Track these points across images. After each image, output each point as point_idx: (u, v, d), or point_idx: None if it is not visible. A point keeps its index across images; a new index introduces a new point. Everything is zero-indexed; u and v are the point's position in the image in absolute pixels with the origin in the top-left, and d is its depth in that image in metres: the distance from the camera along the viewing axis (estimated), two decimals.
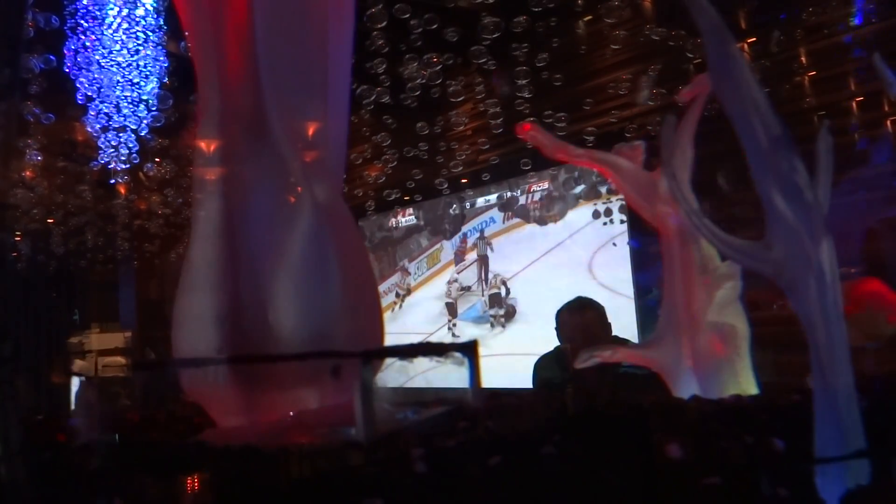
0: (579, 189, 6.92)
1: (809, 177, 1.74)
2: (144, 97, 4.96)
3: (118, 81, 4.87)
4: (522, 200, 7.44)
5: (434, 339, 8.04)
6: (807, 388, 1.77)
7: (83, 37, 4.71)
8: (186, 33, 3.56)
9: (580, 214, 6.87)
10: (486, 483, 1.91)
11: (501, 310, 7.66)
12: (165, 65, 4.95)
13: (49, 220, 7.18)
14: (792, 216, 1.70)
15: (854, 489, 1.56)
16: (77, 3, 4.63)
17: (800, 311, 1.69)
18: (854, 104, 5.06)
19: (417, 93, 5.07)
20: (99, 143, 5.06)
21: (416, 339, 8.07)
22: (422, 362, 7.65)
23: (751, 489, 1.74)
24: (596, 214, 6.72)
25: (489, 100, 5.70)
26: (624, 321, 6.22)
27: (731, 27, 1.87)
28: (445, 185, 7.25)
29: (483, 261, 7.94)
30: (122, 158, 5.12)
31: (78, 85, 4.83)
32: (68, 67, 4.77)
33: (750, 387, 3.28)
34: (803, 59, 5.13)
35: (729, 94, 1.82)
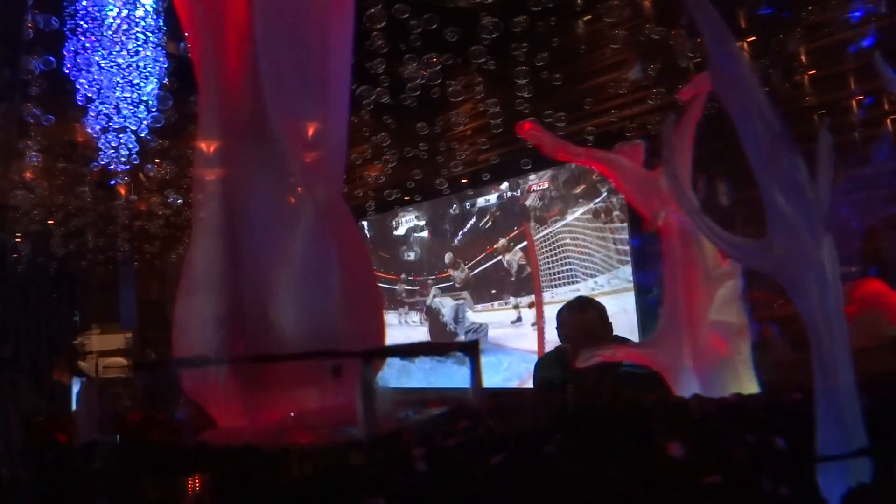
0: (580, 188, 6.92)
1: (810, 175, 1.74)
2: (144, 98, 4.96)
3: (118, 83, 4.87)
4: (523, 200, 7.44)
5: None
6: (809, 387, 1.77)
7: (83, 38, 4.71)
8: (186, 34, 3.56)
9: (580, 213, 6.89)
10: (487, 482, 1.90)
11: None
12: (165, 66, 4.95)
13: (49, 222, 7.18)
14: (793, 214, 1.70)
15: (856, 488, 1.56)
16: (77, 5, 4.63)
17: (801, 309, 1.69)
18: (854, 103, 5.06)
19: (417, 93, 5.07)
20: (99, 145, 5.06)
21: None
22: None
23: (752, 488, 1.74)
24: (596, 214, 6.72)
25: (489, 99, 5.70)
26: (625, 320, 6.23)
27: (731, 26, 1.87)
28: (446, 186, 7.26)
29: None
30: (123, 159, 5.12)
31: (78, 86, 4.83)
32: (68, 69, 4.77)
33: (751, 385, 3.28)
34: (803, 57, 5.13)
35: (729, 92, 1.82)
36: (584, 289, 6.75)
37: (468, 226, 8.05)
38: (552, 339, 6.31)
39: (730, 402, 2.99)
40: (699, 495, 1.75)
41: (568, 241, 7.06)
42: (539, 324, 7.36)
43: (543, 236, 7.25)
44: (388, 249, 8.80)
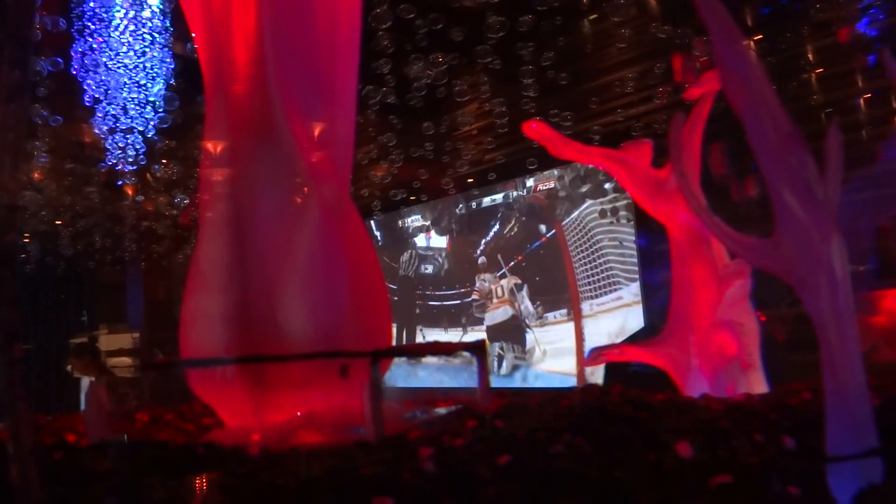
0: (585, 188, 6.88)
1: (819, 173, 1.73)
2: (151, 99, 4.97)
3: (125, 84, 4.88)
4: (529, 199, 7.40)
5: None
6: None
7: (90, 39, 4.73)
8: (194, 35, 3.57)
9: (585, 213, 6.78)
10: (495, 481, 1.90)
11: None
12: (172, 66, 4.95)
13: (57, 222, 7.21)
14: (802, 213, 1.69)
15: (866, 488, 1.55)
16: (85, 6, 4.64)
17: (810, 308, 1.67)
18: (862, 101, 5.03)
19: (423, 93, 5.07)
20: (106, 145, 5.08)
21: None
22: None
23: (761, 488, 1.73)
24: (602, 213, 6.68)
25: (495, 99, 5.69)
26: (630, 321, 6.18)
27: (739, 25, 1.86)
28: (451, 185, 7.25)
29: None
30: (130, 160, 5.13)
31: (85, 87, 4.85)
32: (76, 70, 4.78)
33: (760, 385, 3.27)
34: (811, 55, 5.09)
35: (738, 91, 1.81)
36: (626, 295, 6.13)
37: (491, 234, 7.59)
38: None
39: (739, 401, 2.98)
40: (708, 495, 1.74)
41: (606, 242, 6.44)
42: (578, 342, 6.48)
43: (577, 238, 6.74)
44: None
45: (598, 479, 1.83)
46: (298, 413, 3.15)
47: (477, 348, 3.58)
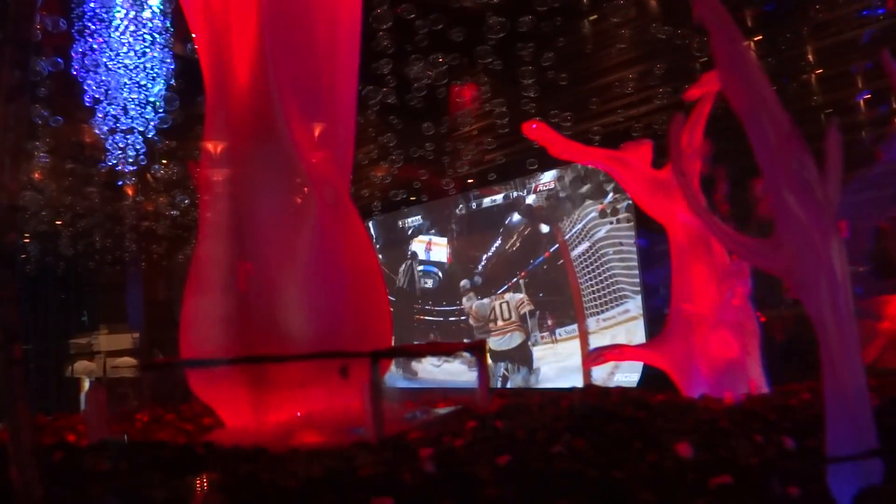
0: (585, 188, 6.86)
1: (819, 174, 1.73)
2: (152, 99, 4.97)
3: (126, 84, 4.88)
4: (529, 200, 7.37)
5: None
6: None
7: (91, 39, 4.73)
8: (195, 35, 3.57)
9: (586, 213, 6.73)
10: (494, 482, 1.90)
11: None
12: (172, 67, 4.95)
13: (57, 223, 7.21)
14: (802, 213, 1.69)
15: (866, 489, 1.55)
16: (85, 6, 4.64)
17: (810, 309, 1.67)
18: (861, 101, 5.02)
19: (423, 93, 5.07)
20: (107, 146, 5.08)
21: None
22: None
23: (761, 488, 1.73)
24: (602, 214, 6.67)
25: (495, 99, 5.69)
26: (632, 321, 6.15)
27: (739, 25, 1.86)
28: (451, 186, 7.25)
29: None
30: (130, 160, 5.13)
31: (86, 88, 4.85)
32: (76, 70, 4.78)
33: (760, 385, 3.26)
34: (811, 56, 5.09)
35: (737, 91, 1.81)
36: (633, 308, 5.97)
37: (493, 248, 7.33)
38: (599, 377, 5.76)
39: (738, 402, 2.97)
40: (708, 496, 1.74)
41: (611, 254, 6.25)
42: (583, 354, 6.20)
43: (582, 251, 6.53)
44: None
45: (598, 479, 1.83)
46: (298, 413, 3.16)
47: (477, 348, 3.58)
